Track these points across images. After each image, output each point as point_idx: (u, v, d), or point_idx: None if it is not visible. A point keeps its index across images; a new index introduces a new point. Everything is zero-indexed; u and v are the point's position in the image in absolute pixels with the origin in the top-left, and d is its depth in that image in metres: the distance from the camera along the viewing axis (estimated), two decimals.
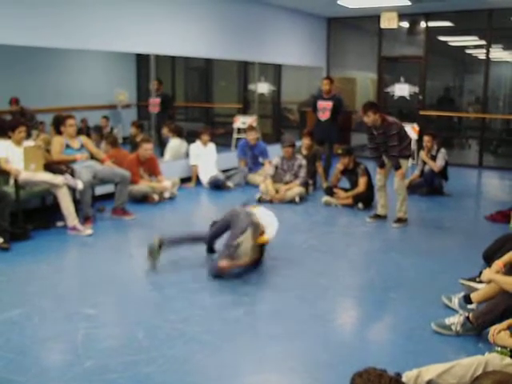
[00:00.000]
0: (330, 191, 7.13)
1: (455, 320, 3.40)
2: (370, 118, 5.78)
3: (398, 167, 5.91)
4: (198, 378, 2.92)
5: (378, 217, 6.27)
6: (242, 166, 8.46)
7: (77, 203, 5.73)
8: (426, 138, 7.88)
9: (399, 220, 6.09)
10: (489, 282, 3.51)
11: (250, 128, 8.61)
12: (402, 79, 10.80)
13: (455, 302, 3.75)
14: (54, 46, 6.27)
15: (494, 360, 2.50)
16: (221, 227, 4.67)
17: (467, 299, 3.69)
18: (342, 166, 7.04)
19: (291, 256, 4.95)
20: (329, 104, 8.19)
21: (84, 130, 7.72)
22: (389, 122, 5.84)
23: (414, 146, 9.80)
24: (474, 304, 3.65)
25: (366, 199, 6.87)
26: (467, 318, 3.36)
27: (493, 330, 2.94)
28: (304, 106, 11.45)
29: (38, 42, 6.06)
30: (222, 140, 9.67)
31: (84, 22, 6.52)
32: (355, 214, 6.62)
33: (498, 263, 3.48)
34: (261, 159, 8.50)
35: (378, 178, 6.21)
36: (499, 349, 2.68)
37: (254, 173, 8.34)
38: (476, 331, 3.33)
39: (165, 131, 8.42)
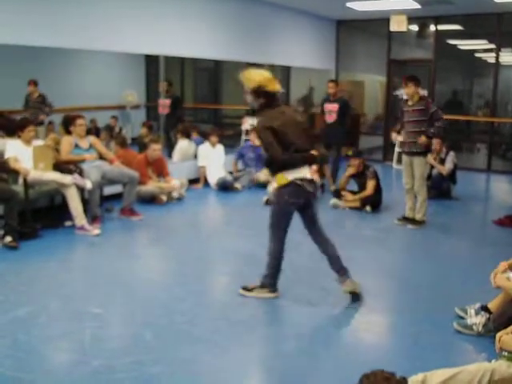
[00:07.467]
0: (337, 194, 7.12)
1: (477, 320, 3.37)
2: (410, 90, 5.90)
3: (437, 135, 6.07)
4: (204, 379, 2.93)
5: (405, 219, 6.20)
6: (233, 169, 8.45)
7: (85, 203, 5.75)
8: (435, 141, 7.84)
9: (415, 221, 6.07)
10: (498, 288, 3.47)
11: (253, 129, 8.59)
12: None
13: (471, 313, 3.56)
14: (63, 46, 6.28)
15: (500, 368, 2.47)
16: None
17: (485, 309, 3.54)
18: (353, 171, 7.00)
19: (297, 258, 4.94)
20: (335, 106, 8.17)
21: (93, 130, 7.77)
22: (428, 100, 6.03)
23: None
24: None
25: (374, 202, 6.85)
26: (488, 318, 3.34)
27: (498, 336, 2.91)
28: (304, 102, 11.48)
29: (46, 42, 6.07)
30: (231, 141, 9.67)
31: (93, 22, 6.54)
32: (363, 217, 6.61)
33: (503, 263, 3.43)
34: None
35: (405, 181, 6.14)
36: (506, 354, 2.65)
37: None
38: (496, 332, 3.28)
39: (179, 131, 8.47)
